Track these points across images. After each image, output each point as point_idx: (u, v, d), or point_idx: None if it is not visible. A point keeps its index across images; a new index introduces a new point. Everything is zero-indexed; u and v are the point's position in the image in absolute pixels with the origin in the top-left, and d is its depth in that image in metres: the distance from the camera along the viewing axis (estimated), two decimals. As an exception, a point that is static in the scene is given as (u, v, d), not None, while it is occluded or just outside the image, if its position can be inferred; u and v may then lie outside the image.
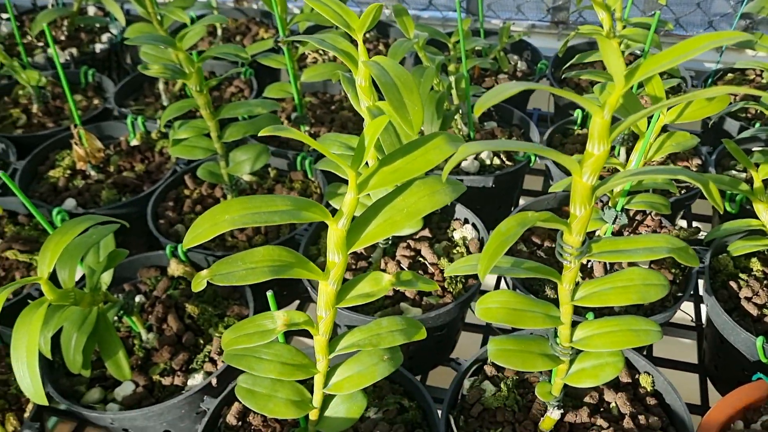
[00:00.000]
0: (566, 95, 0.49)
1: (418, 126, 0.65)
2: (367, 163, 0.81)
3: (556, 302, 0.65)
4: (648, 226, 0.96)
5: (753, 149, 1.07)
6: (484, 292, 1.05)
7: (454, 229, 0.97)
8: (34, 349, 0.65)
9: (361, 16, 0.67)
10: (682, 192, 1.02)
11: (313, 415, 0.67)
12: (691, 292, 0.88)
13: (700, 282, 0.96)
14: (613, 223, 0.86)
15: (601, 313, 0.84)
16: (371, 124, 0.52)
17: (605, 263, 0.89)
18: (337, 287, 0.58)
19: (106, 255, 0.78)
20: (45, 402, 0.65)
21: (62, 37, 1.53)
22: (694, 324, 1.02)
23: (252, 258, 0.55)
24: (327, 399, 0.68)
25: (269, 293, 0.62)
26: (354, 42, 0.71)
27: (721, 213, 0.68)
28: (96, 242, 0.73)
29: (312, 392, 0.66)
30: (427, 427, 0.74)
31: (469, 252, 0.93)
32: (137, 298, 0.92)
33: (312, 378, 0.65)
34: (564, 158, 0.53)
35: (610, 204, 0.87)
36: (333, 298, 0.58)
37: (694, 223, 1.20)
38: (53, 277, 0.70)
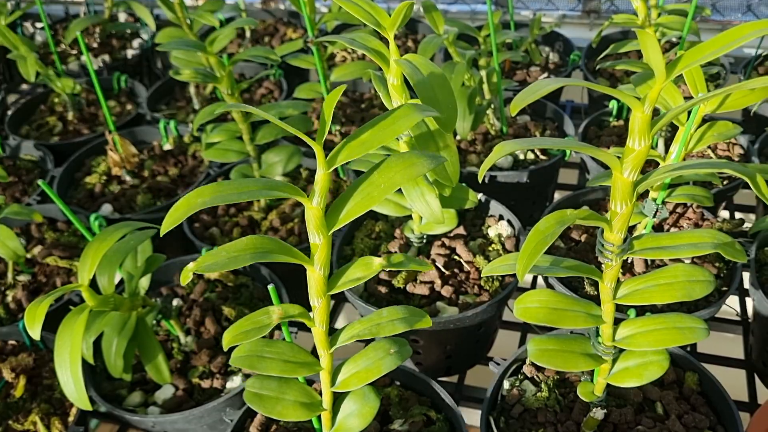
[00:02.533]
0: (604, 90, 0.47)
1: (452, 124, 0.64)
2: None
3: (597, 299, 0.64)
4: (689, 219, 0.93)
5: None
6: (521, 289, 1.05)
7: (489, 226, 0.95)
8: (77, 355, 0.66)
9: (392, 14, 0.66)
10: (725, 183, 0.99)
11: (326, 419, 0.66)
12: (736, 286, 0.86)
13: (746, 275, 0.93)
14: (654, 216, 0.84)
15: (642, 310, 0.82)
16: (329, 96, 0.52)
17: (646, 258, 0.87)
18: (324, 271, 0.56)
19: (144, 260, 0.79)
20: (89, 407, 0.66)
21: (94, 44, 1.56)
22: (739, 318, 0.99)
23: (235, 247, 0.54)
24: (338, 401, 0.66)
25: (270, 287, 0.62)
26: (385, 40, 0.70)
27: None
28: (134, 248, 0.73)
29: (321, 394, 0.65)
30: None
31: (505, 249, 0.92)
32: (175, 302, 0.93)
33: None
34: (603, 154, 0.52)
35: (650, 197, 0.85)
36: (323, 284, 0.57)
37: (737, 214, 1.17)
38: (93, 284, 0.71)
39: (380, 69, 0.78)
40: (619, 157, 0.52)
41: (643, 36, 0.46)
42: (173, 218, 0.51)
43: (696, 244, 0.58)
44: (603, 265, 0.60)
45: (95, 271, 0.69)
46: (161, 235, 0.51)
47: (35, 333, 0.62)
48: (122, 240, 0.74)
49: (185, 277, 0.53)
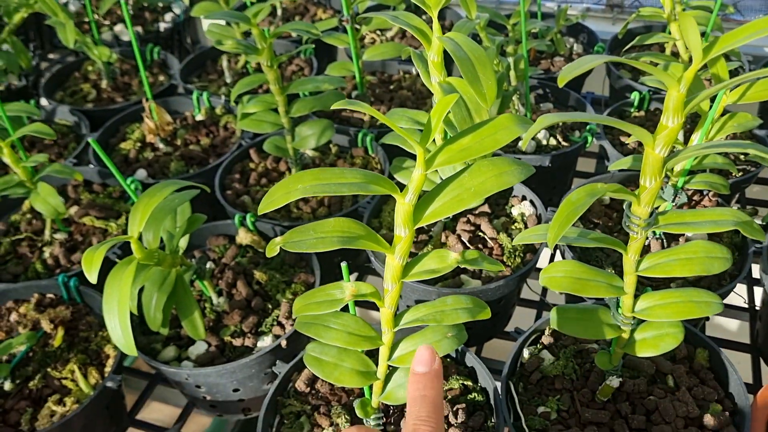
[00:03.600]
0: (644, 67, 0.51)
1: (491, 99, 0.67)
2: (434, 139, 0.84)
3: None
4: (705, 207, 0.97)
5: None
6: (538, 269, 1.08)
7: (512, 206, 0.99)
8: (126, 303, 0.69)
9: (438, -7, 0.69)
10: (740, 174, 1.03)
11: (377, 387, 0.69)
12: (747, 272, 0.90)
13: (754, 266, 0.97)
14: (673, 201, 0.87)
15: (658, 288, 0.86)
16: (440, 102, 0.52)
17: (662, 241, 0.91)
18: (403, 261, 0.58)
19: (185, 220, 0.83)
20: (135, 353, 0.70)
21: (127, 16, 1.59)
22: (747, 306, 1.03)
23: (323, 228, 0.56)
24: (391, 371, 0.69)
25: (343, 264, 0.64)
26: (428, 19, 0.74)
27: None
28: (178, 206, 0.77)
29: (377, 364, 0.68)
30: (489, 410, 0.75)
31: (527, 228, 0.95)
32: (207, 265, 0.97)
33: (376, 350, 0.66)
34: (637, 129, 0.55)
35: (669, 183, 0.89)
36: (399, 272, 0.59)
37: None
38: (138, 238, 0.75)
39: (416, 48, 0.82)
40: (652, 134, 0.56)
41: (684, 19, 0.49)
42: (271, 200, 0.52)
43: (717, 221, 0.61)
44: (627, 240, 0.64)
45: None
46: (259, 214, 0.53)
47: (92, 277, 0.66)
48: (167, 199, 0.78)
49: (271, 251, 0.55)
